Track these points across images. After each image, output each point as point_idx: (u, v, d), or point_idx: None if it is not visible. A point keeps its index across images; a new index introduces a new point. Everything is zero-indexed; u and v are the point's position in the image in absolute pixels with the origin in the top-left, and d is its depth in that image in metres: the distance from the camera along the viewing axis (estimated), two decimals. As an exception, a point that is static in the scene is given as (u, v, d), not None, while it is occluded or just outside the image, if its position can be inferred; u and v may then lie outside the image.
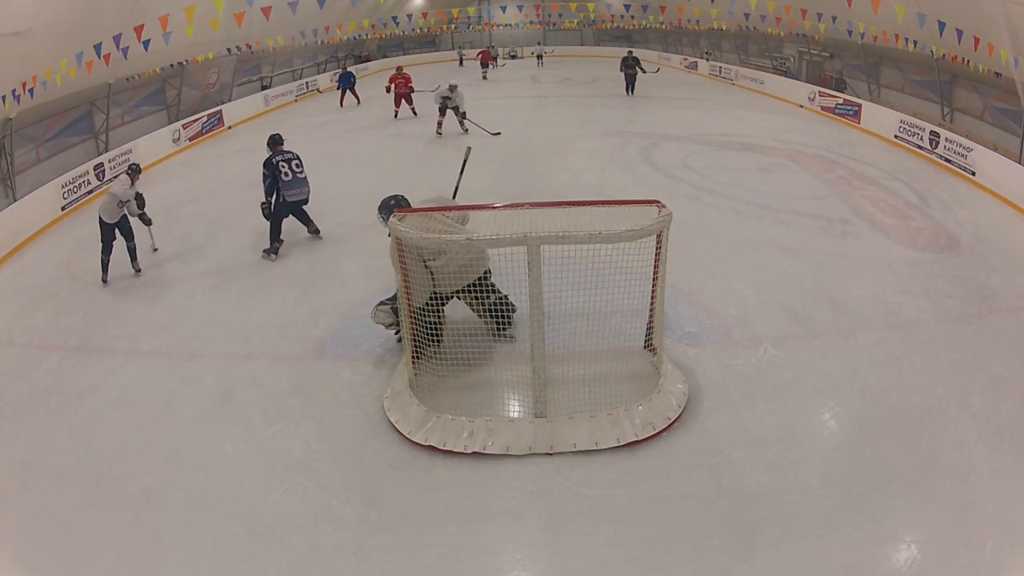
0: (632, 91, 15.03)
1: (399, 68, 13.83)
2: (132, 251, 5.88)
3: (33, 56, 7.76)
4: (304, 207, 6.22)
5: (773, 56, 17.39)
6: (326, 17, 16.83)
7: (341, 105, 15.05)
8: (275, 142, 6.12)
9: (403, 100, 13.25)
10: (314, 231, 6.46)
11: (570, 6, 22.22)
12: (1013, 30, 7.84)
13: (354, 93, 15.36)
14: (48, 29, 7.65)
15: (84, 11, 8.22)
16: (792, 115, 12.68)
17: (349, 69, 16.71)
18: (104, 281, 5.74)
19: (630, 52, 15.95)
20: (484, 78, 19.92)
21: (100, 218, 5.69)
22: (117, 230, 5.73)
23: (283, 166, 5.88)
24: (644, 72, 15.18)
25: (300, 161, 6.00)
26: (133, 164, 5.97)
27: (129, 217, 5.83)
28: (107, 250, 5.75)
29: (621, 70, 15.09)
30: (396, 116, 13.20)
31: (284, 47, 16.63)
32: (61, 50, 8.26)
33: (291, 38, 16.31)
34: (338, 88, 15.52)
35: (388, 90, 13.11)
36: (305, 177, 6.01)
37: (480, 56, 21.26)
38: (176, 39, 10.24)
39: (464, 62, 24.17)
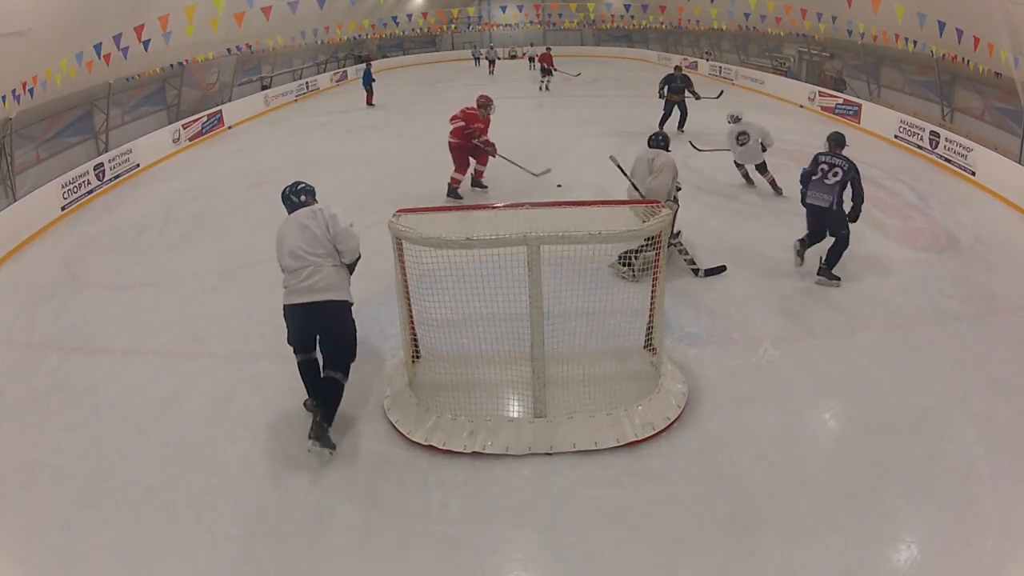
0: (682, 126, 10.42)
1: (482, 103, 7.36)
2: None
3: (33, 56, 7.76)
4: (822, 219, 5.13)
5: (773, 56, 17.40)
6: (326, 17, 16.84)
7: (368, 104, 14.97)
8: (836, 142, 5.23)
9: (471, 161, 7.41)
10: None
11: (570, 6, 22.25)
12: (1013, 30, 7.84)
13: (369, 91, 15.18)
14: (48, 29, 7.65)
15: (84, 11, 8.23)
16: (792, 115, 12.67)
17: (368, 68, 15.93)
18: None
19: (678, 68, 10.88)
20: (546, 88, 16.20)
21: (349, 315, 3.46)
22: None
23: (823, 166, 5.08)
24: (698, 98, 10.38)
25: (841, 171, 4.97)
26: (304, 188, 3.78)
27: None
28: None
29: (661, 95, 10.41)
30: (452, 193, 7.43)
31: (284, 47, 16.64)
32: (61, 50, 8.27)
33: (291, 38, 16.31)
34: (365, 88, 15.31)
35: (476, 138, 7.20)
36: (834, 184, 4.99)
37: (540, 60, 16.95)
38: (176, 39, 10.25)
39: (480, 62, 23.50)
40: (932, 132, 9.25)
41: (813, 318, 4.72)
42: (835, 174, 5.05)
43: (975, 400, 3.75)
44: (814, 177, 5.17)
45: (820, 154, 5.19)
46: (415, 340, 3.93)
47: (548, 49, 17.75)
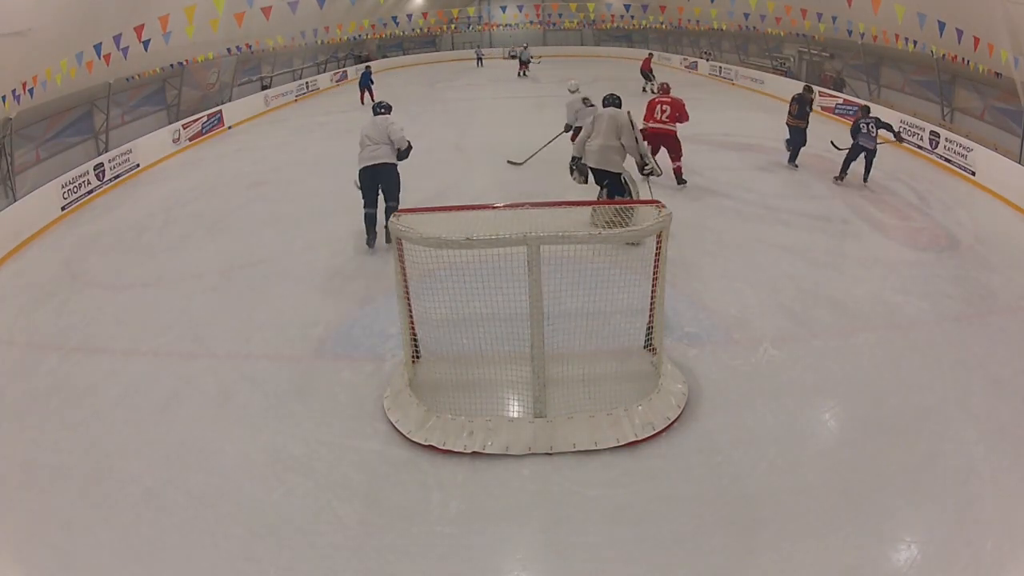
0: (795, 159, 8.64)
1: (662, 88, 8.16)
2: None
3: (33, 56, 7.75)
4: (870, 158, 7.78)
5: (773, 56, 17.39)
6: (326, 17, 16.83)
7: (362, 103, 15.18)
8: (867, 111, 7.96)
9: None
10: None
11: (570, 6, 22.22)
12: (1013, 30, 7.84)
13: (369, 92, 15.34)
14: (48, 29, 7.65)
15: (84, 11, 8.22)
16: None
17: (367, 71, 16.20)
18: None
19: (808, 89, 8.84)
20: (651, 91, 13.84)
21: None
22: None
23: (863, 127, 7.60)
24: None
25: (876, 126, 7.62)
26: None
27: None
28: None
29: (792, 122, 8.40)
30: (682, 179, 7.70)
31: (284, 47, 16.63)
32: (61, 50, 8.26)
33: (291, 38, 16.30)
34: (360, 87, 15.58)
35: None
36: (875, 136, 7.63)
37: (642, 65, 16.36)
38: (176, 39, 10.24)
39: (482, 62, 23.43)
40: (932, 132, 9.25)
41: (813, 318, 4.73)
42: (872, 128, 7.65)
43: (975, 400, 3.75)
44: (862, 132, 7.66)
45: (859, 120, 7.77)
46: (415, 340, 3.93)
47: (650, 55, 17.73)
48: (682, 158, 7.82)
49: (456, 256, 3.30)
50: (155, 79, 12.06)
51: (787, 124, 8.57)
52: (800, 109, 8.36)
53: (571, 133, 8.05)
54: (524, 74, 20.21)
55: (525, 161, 8.57)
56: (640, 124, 7.36)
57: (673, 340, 4.36)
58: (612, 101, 6.04)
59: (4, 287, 6.00)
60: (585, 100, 8.07)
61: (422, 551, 2.86)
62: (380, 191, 5.92)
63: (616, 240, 3.50)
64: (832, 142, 8.28)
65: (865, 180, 7.83)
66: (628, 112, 5.85)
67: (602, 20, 25.86)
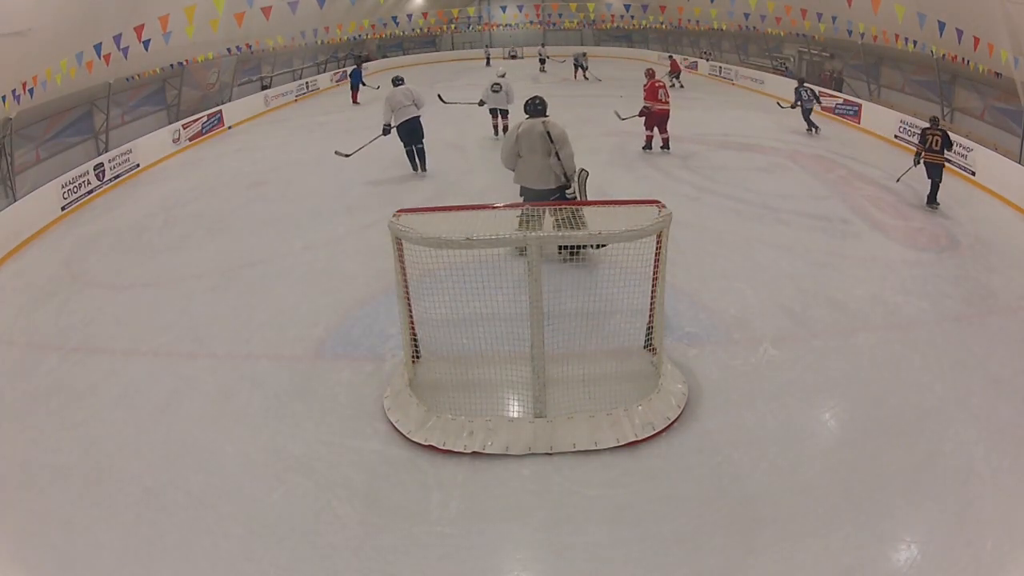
0: (936, 199, 7.15)
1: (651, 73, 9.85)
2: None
3: (33, 56, 7.76)
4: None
5: (773, 56, 17.39)
6: (326, 17, 16.85)
7: (353, 102, 15.62)
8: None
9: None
10: None
11: (570, 6, 22.21)
12: (1013, 30, 7.84)
13: (354, 90, 15.60)
14: (48, 29, 7.66)
15: (84, 11, 8.23)
16: (792, 115, 12.65)
17: (359, 67, 16.74)
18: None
19: (936, 121, 7.49)
20: (680, 86, 15.88)
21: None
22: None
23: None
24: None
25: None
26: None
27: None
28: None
29: (933, 158, 7.14)
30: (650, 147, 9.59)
31: (284, 47, 16.64)
32: (61, 50, 8.27)
33: (291, 38, 16.32)
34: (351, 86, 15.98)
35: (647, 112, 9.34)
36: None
37: (671, 66, 16.87)
38: (176, 39, 10.25)
39: (491, 62, 23.44)
40: (932, 132, 9.23)
41: (813, 318, 4.72)
42: (809, 93, 10.24)
43: (975, 400, 3.75)
44: (803, 98, 9.99)
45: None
46: (415, 340, 3.93)
47: (670, 56, 18.82)
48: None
49: (456, 256, 3.30)
50: (155, 79, 12.06)
51: (925, 161, 7.23)
52: (944, 141, 7.16)
53: (487, 110, 10.41)
54: (586, 77, 19.22)
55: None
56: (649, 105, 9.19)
57: (673, 340, 4.36)
58: (538, 110, 5.28)
59: (4, 287, 6.00)
60: (494, 87, 9.96)
61: (422, 551, 2.86)
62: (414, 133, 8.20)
63: (616, 240, 3.50)
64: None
65: (812, 130, 10.48)
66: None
67: (602, 20, 25.88)
